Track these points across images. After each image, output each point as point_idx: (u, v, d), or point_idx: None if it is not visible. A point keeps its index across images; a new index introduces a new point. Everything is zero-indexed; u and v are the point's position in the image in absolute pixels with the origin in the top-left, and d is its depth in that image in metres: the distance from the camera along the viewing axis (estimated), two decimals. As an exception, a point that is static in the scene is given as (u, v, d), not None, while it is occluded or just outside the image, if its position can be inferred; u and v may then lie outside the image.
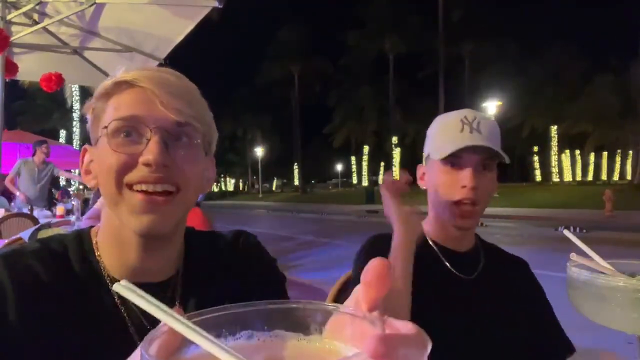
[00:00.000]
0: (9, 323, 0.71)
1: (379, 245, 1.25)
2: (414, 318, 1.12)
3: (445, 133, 1.24)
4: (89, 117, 0.81)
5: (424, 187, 1.30)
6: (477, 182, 1.17)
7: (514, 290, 1.30)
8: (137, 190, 0.74)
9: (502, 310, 1.24)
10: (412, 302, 1.10)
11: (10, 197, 7.33)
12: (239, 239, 0.98)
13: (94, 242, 0.83)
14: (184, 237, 0.89)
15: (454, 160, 1.19)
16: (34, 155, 6.94)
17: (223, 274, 0.90)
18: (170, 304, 0.72)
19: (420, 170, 1.33)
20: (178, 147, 0.77)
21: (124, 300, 0.78)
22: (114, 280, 0.78)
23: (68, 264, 0.79)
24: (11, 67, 3.70)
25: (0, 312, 0.71)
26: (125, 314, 0.78)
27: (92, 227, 0.87)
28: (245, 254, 0.96)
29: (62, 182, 30.62)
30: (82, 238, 0.84)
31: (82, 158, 0.85)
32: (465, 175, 1.17)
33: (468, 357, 1.16)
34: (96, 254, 0.82)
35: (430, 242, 1.29)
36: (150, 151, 0.73)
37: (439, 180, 1.22)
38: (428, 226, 1.31)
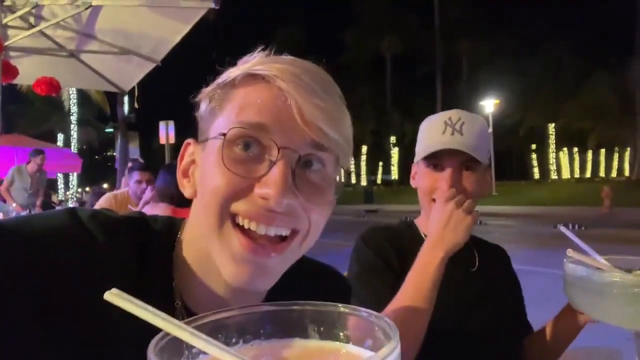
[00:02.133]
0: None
1: (377, 236, 1.32)
2: None
3: (428, 134, 1.28)
4: (203, 105, 0.64)
5: (415, 187, 1.35)
6: (455, 183, 1.20)
7: (501, 281, 1.37)
8: (242, 227, 0.57)
9: (493, 300, 1.29)
10: None
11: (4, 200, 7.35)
12: (327, 278, 0.82)
13: (177, 250, 0.66)
14: None
15: (435, 161, 1.24)
16: (28, 163, 6.97)
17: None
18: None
19: (413, 169, 1.37)
20: (307, 178, 0.59)
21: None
22: (185, 307, 0.63)
23: (146, 258, 0.63)
24: (11, 71, 3.69)
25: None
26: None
27: (183, 219, 0.70)
28: (326, 297, 0.68)
29: (61, 186, 30.54)
30: (172, 231, 0.67)
31: (182, 153, 0.68)
32: (444, 177, 1.21)
33: (461, 344, 1.19)
34: (172, 264, 0.65)
35: (424, 236, 1.32)
36: (273, 182, 0.54)
37: (422, 181, 1.28)
38: (421, 222, 1.37)
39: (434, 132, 1.26)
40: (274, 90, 0.57)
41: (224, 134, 0.57)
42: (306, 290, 0.62)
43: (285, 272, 0.64)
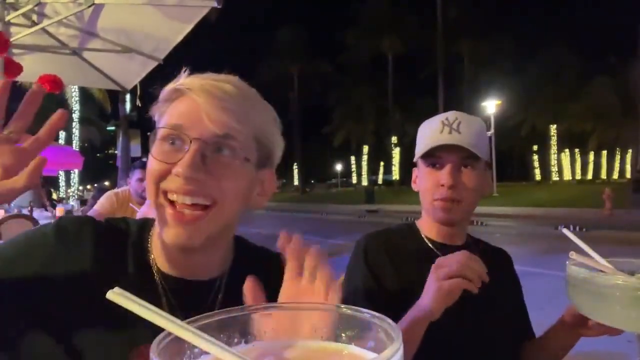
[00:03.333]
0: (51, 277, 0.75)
1: (376, 248, 1.29)
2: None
3: (426, 134, 1.30)
4: (156, 118, 0.82)
5: (417, 190, 1.36)
6: (455, 181, 1.22)
7: (503, 284, 1.36)
8: (169, 200, 0.75)
9: (494, 302, 1.28)
10: (414, 296, 1.12)
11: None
12: (271, 259, 0.92)
13: (151, 232, 0.86)
14: (234, 244, 0.91)
15: (434, 160, 1.26)
16: None
17: (267, 287, 0.82)
18: (212, 305, 0.83)
19: (414, 174, 1.38)
20: (218, 160, 0.76)
21: (166, 292, 0.80)
22: (160, 272, 0.82)
23: (125, 246, 0.83)
24: (14, 68, 3.69)
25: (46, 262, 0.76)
26: (166, 306, 0.79)
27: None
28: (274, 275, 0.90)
29: (62, 183, 30.61)
30: (145, 226, 0.87)
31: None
32: (443, 174, 1.23)
33: (460, 346, 1.19)
34: (149, 243, 0.85)
35: (425, 238, 1.33)
36: (183, 162, 0.72)
37: (423, 181, 1.29)
38: (422, 224, 1.36)
39: (431, 132, 1.27)
40: (190, 100, 0.76)
41: (155, 133, 0.79)
42: (271, 261, 0.86)
43: (254, 251, 0.94)
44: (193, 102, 0.76)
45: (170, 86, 0.80)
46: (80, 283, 0.76)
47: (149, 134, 0.84)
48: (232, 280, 0.86)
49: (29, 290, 0.74)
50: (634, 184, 20.60)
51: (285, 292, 0.73)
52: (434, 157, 1.25)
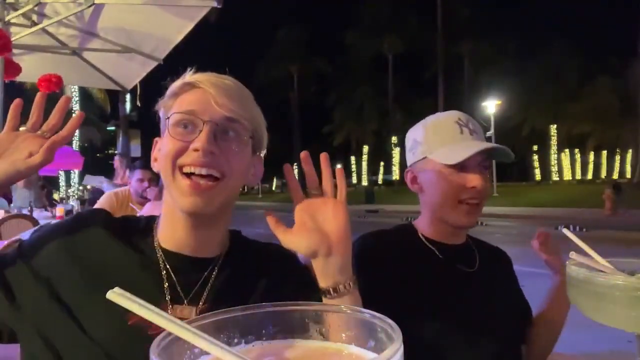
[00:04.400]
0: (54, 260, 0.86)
1: (368, 248, 1.26)
2: (416, 311, 1.14)
3: (443, 136, 1.24)
4: (160, 113, 0.93)
5: (418, 191, 1.31)
6: (484, 183, 1.21)
7: (501, 280, 1.37)
8: (186, 174, 0.85)
9: (493, 301, 1.28)
10: (410, 294, 1.12)
11: (10, 198, 7.35)
12: (272, 247, 1.04)
13: (158, 220, 0.96)
14: (230, 235, 0.99)
15: (461, 162, 1.20)
16: None
17: (259, 276, 0.96)
18: (204, 283, 0.89)
19: (409, 174, 1.34)
20: (226, 140, 0.88)
21: (165, 264, 0.88)
22: (162, 248, 0.91)
23: (134, 231, 0.94)
24: (13, 68, 3.69)
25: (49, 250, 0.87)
26: (165, 284, 0.87)
27: None
28: (281, 261, 1.01)
29: (62, 183, 30.60)
30: (152, 217, 0.98)
31: (153, 148, 0.97)
32: (474, 177, 1.20)
33: (462, 345, 1.19)
34: (154, 227, 0.94)
35: (423, 238, 1.31)
36: (200, 139, 0.84)
37: (443, 183, 1.23)
38: (421, 224, 1.33)
39: (448, 133, 1.23)
40: (200, 91, 0.88)
41: (169, 118, 0.88)
42: (262, 249, 1.01)
43: (249, 242, 1.02)
44: (203, 93, 0.87)
45: (178, 82, 0.91)
46: (91, 264, 0.86)
47: (155, 139, 0.96)
48: (227, 261, 0.94)
49: (48, 270, 0.85)
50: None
51: (302, 207, 0.89)
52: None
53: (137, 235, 0.93)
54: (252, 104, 0.94)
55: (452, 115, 1.26)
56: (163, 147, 0.89)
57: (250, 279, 0.94)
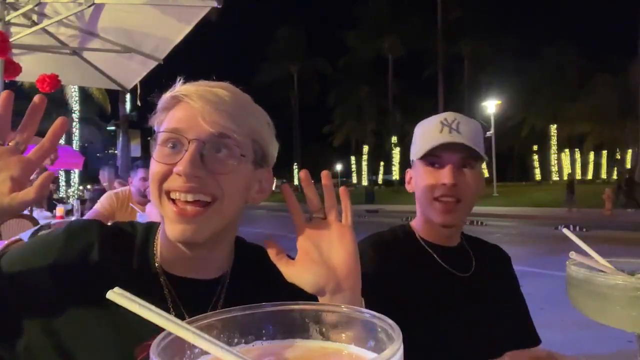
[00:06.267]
0: (50, 281, 0.77)
1: (365, 250, 1.25)
2: (410, 315, 1.14)
3: (425, 135, 1.29)
4: (156, 128, 0.86)
5: (411, 191, 1.34)
6: (457, 179, 1.22)
7: (499, 283, 1.35)
8: (172, 199, 0.79)
9: (491, 305, 1.28)
10: (408, 299, 1.11)
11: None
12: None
13: (157, 235, 0.89)
14: (234, 245, 0.93)
15: (434, 159, 1.25)
16: None
17: (268, 285, 0.87)
18: (216, 303, 0.85)
19: (407, 175, 1.37)
20: (216, 159, 0.79)
21: (170, 292, 0.82)
22: (164, 272, 0.84)
23: (131, 247, 0.86)
24: (13, 68, 3.69)
25: (46, 267, 0.78)
26: (170, 305, 0.82)
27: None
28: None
29: (62, 183, 30.60)
30: (151, 229, 0.90)
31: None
32: (445, 173, 1.22)
33: (458, 350, 1.18)
34: (154, 245, 0.87)
35: (420, 239, 1.32)
36: (182, 162, 0.76)
37: (422, 180, 1.27)
38: (417, 225, 1.35)
39: (430, 132, 1.27)
40: (186, 106, 0.80)
41: (155, 139, 0.82)
42: (257, 269, 0.91)
43: (253, 251, 0.94)
44: (190, 108, 0.79)
45: (167, 94, 0.83)
46: (86, 282, 0.78)
47: (149, 138, 0.88)
48: (234, 279, 0.89)
49: (38, 288, 0.77)
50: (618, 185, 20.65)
51: (305, 234, 0.80)
52: (434, 156, 1.24)
53: (136, 253, 0.86)
54: (249, 115, 0.85)
55: (441, 115, 1.29)
56: (150, 169, 0.82)
57: (259, 293, 0.86)
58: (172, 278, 0.84)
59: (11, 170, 0.66)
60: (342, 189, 0.82)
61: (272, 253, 0.80)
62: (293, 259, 0.80)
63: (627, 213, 17.40)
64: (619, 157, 46.94)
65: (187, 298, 0.83)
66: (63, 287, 0.77)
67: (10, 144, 0.69)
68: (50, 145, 0.71)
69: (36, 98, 0.71)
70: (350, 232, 0.80)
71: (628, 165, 43.88)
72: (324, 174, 0.83)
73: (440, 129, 1.24)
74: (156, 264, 0.85)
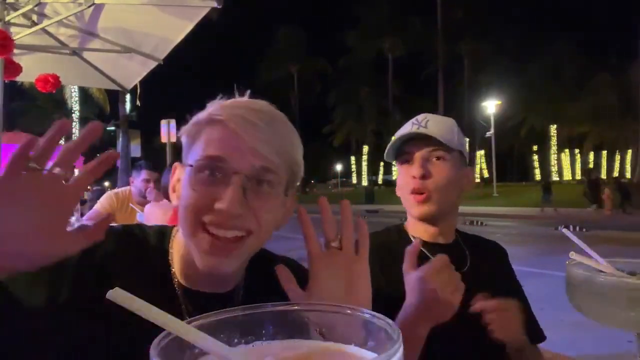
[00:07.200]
0: (65, 292, 0.75)
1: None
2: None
3: (397, 136, 1.34)
4: (183, 139, 0.83)
5: (398, 194, 1.37)
6: (426, 171, 1.26)
7: (496, 278, 1.35)
8: (209, 232, 0.75)
9: (487, 294, 1.26)
10: (402, 298, 1.11)
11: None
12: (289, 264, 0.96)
13: (171, 244, 0.87)
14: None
15: (406, 157, 1.31)
16: None
17: (283, 300, 0.85)
18: None
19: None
20: (257, 194, 0.76)
21: (187, 306, 0.81)
22: (181, 286, 0.83)
23: (145, 255, 0.84)
24: (14, 68, 3.69)
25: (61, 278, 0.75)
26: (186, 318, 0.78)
27: (174, 226, 0.89)
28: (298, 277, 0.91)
29: (62, 183, 30.54)
30: (164, 236, 0.88)
31: (172, 174, 0.88)
32: (414, 167, 1.28)
33: (455, 349, 1.18)
34: (169, 256, 0.85)
35: (413, 239, 1.33)
36: (226, 199, 0.73)
37: (400, 179, 1.34)
38: (408, 224, 1.39)
39: (401, 132, 1.33)
40: (228, 131, 0.75)
41: (191, 165, 0.77)
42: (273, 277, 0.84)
43: (264, 259, 0.90)
44: (231, 132, 0.75)
45: (205, 112, 0.79)
46: (99, 294, 0.74)
47: (174, 165, 0.87)
48: (248, 290, 0.89)
49: (49, 302, 0.74)
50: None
51: (320, 264, 0.77)
52: (405, 153, 1.31)
53: (150, 263, 0.83)
54: (289, 141, 0.81)
55: (418, 116, 1.34)
56: (184, 196, 0.78)
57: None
58: (188, 292, 0.83)
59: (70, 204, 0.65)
60: (360, 221, 0.81)
61: (282, 277, 0.79)
62: (304, 286, 0.78)
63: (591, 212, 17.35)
64: (592, 161, 46.76)
65: (204, 312, 0.80)
66: (75, 295, 0.75)
67: (55, 170, 0.65)
68: (93, 173, 0.69)
69: (94, 124, 0.66)
70: (365, 267, 0.79)
71: (628, 166, 43.91)
72: (345, 203, 0.80)
73: (409, 127, 1.31)
74: (175, 280, 0.83)
